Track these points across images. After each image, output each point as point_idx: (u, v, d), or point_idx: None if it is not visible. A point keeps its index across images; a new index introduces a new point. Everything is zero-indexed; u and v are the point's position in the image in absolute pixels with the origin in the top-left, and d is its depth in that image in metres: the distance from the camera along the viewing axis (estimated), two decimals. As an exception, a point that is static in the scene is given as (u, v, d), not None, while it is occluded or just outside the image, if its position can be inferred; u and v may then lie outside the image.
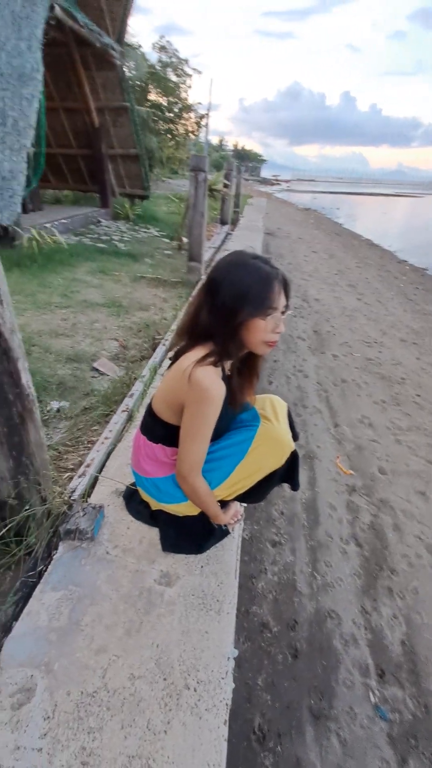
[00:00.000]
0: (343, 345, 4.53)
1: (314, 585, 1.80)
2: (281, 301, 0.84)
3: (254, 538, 1.98)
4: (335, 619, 1.67)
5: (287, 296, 0.87)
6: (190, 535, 1.04)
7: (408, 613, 1.75)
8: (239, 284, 0.84)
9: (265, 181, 60.74)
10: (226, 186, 8.26)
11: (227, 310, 0.85)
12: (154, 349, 2.73)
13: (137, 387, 2.10)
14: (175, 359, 0.95)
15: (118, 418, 1.82)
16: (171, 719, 0.70)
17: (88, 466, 1.45)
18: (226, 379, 0.92)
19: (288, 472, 0.98)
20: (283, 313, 0.86)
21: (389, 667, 1.54)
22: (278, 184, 62.28)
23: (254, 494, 1.01)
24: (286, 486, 2.35)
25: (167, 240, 6.77)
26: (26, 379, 0.96)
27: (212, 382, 0.86)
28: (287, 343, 4.32)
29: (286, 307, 0.87)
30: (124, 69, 7.31)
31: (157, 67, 16.25)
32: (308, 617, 1.66)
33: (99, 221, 7.26)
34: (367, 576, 1.88)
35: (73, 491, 1.29)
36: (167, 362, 1.02)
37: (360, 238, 14.86)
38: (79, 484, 1.34)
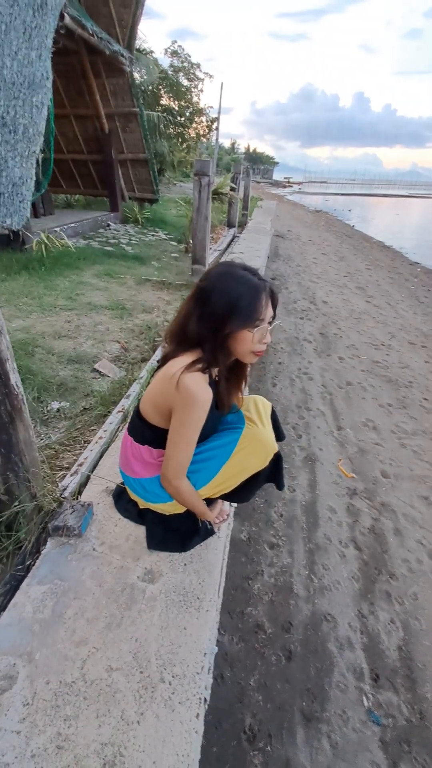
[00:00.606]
0: (349, 347, 4.50)
1: (311, 588, 1.79)
2: (268, 312, 0.86)
3: (252, 540, 1.98)
4: (331, 622, 1.66)
5: (274, 307, 0.88)
6: (175, 533, 1.05)
7: (406, 618, 1.72)
8: (228, 296, 0.86)
9: (277, 184, 60.72)
10: (232, 189, 8.29)
11: (216, 320, 0.87)
12: (154, 351, 2.76)
13: (134, 388, 2.13)
14: (162, 363, 0.97)
15: (114, 418, 1.84)
16: (145, 711, 0.72)
17: (81, 464, 1.48)
18: (213, 384, 0.94)
19: (272, 473, 0.99)
20: (270, 323, 0.87)
21: (384, 672, 1.52)
22: (290, 186, 62.17)
23: (241, 494, 1.02)
24: (287, 489, 2.35)
25: (175, 243, 6.83)
26: (15, 379, 0.99)
27: (200, 388, 0.87)
28: (293, 345, 4.31)
29: (273, 317, 0.89)
30: (135, 75, 7.41)
31: (169, 72, 16.45)
32: (304, 620, 1.65)
33: (108, 225, 7.36)
34: (365, 580, 1.86)
35: (65, 489, 1.32)
36: (159, 365, 1.05)
37: (371, 240, 14.73)
38: (71, 482, 1.37)
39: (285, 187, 57.54)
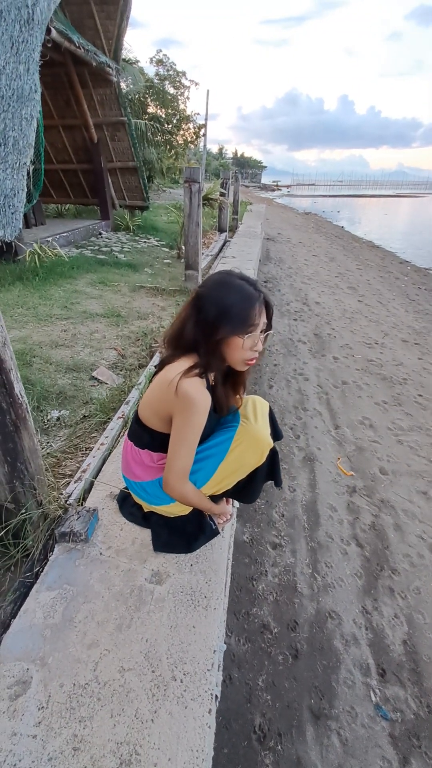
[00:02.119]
0: (343, 347, 4.54)
1: (315, 586, 1.81)
2: (261, 320, 0.88)
3: (255, 541, 1.99)
4: (336, 619, 1.67)
5: (269, 317, 0.91)
6: (180, 534, 1.07)
7: (410, 612, 1.74)
8: (222, 303, 0.89)
9: (266, 187, 61.18)
10: (222, 194, 8.38)
11: (209, 325, 0.90)
12: (151, 357, 2.78)
13: (133, 394, 2.15)
14: (160, 368, 0.99)
15: (114, 424, 1.86)
16: (158, 708, 0.73)
17: (84, 471, 1.49)
18: (211, 388, 0.96)
19: (271, 469, 1.01)
20: (263, 332, 0.90)
21: (390, 666, 1.53)
22: (278, 189, 62.70)
23: (245, 493, 1.04)
24: (287, 489, 2.37)
25: (167, 249, 6.87)
26: (18, 389, 1.01)
27: (198, 394, 0.90)
28: (287, 347, 4.34)
29: (268, 326, 0.91)
30: (122, 85, 7.48)
31: (155, 81, 16.60)
32: (309, 618, 1.67)
33: (100, 233, 7.39)
34: (368, 576, 1.88)
35: (69, 495, 1.33)
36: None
37: (361, 241, 14.89)
38: (75, 488, 1.38)
39: (274, 190, 57.99)
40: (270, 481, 1.08)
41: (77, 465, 1.65)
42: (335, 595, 1.78)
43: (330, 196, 49.78)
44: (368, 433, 2.98)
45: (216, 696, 0.78)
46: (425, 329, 5.61)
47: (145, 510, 1.12)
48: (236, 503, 1.37)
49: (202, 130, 18.32)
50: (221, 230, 8.82)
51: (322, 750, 1.28)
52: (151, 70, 16.73)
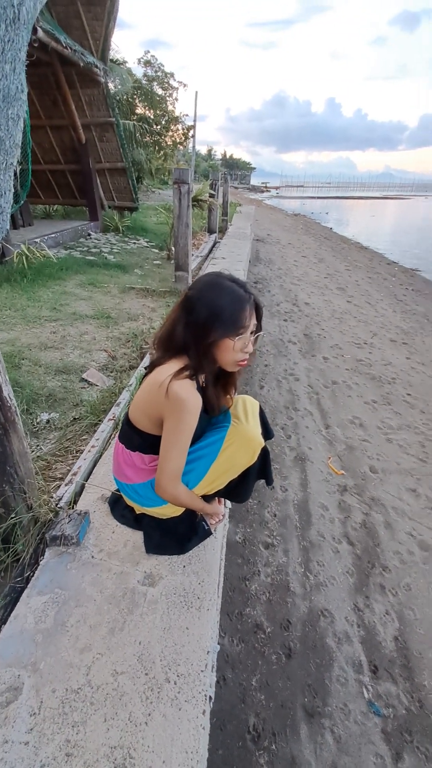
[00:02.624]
0: (333, 347, 4.58)
1: (307, 585, 1.82)
2: (251, 322, 0.89)
3: (247, 541, 2.00)
4: (328, 617, 1.69)
5: (259, 319, 0.91)
6: (173, 535, 1.06)
7: (401, 609, 1.76)
8: (213, 305, 0.89)
9: (255, 189, 61.47)
10: (211, 196, 8.39)
11: (200, 328, 0.90)
12: (141, 359, 2.77)
13: (124, 396, 2.14)
14: (150, 369, 0.99)
15: (105, 426, 1.85)
16: (152, 711, 0.73)
17: (75, 474, 1.48)
18: (202, 390, 0.97)
19: (262, 469, 1.02)
20: (253, 333, 0.91)
21: (382, 663, 1.55)
22: (267, 191, 63.06)
23: (238, 492, 1.04)
24: (279, 489, 2.38)
25: (157, 250, 6.85)
26: (7, 391, 1.00)
27: (189, 395, 0.90)
28: (278, 347, 4.37)
29: (258, 328, 0.92)
30: (110, 85, 7.45)
31: (143, 82, 16.56)
32: (301, 617, 1.68)
33: (89, 234, 7.34)
34: (359, 574, 1.90)
35: (60, 499, 1.32)
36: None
37: (349, 242, 15.05)
38: (66, 491, 1.37)
39: (263, 191, 58.31)
40: (261, 480, 1.08)
41: (68, 468, 1.63)
42: (327, 593, 1.79)
43: (318, 197, 50.23)
44: (358, 432, 3.01)
45: (210, 697, 0.78)
46: (413, 329, 5.69)
47: (137, 512, 1.12)
48: (228, 503, 1.37)
49: (191, 131, 18.34)
50: (211, 231, 8.83)
51: (316, 748, 1.29)
52: (139, 71, 16.70)
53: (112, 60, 10.61)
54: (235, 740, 1.28)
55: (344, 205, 40.73)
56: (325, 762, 1.26)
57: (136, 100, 16.50)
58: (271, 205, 30.62)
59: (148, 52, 17.00)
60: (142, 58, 16.94)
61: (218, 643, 1.52)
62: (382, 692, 1.46)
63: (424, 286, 9.03)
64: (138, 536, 1.14)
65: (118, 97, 12.84)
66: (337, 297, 6.75)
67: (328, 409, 3.29)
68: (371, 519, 2.23)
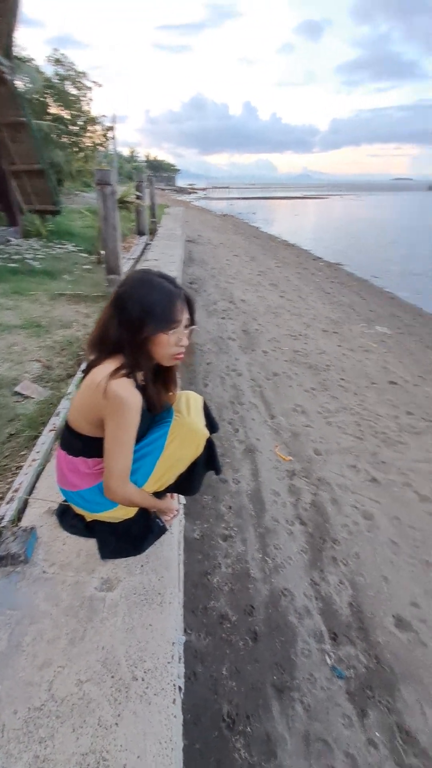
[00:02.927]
0: (271, 341, 4.76)
1: (266, 569, 1.88)
2: (184, 316, 0.90)
3: (205, 536, 2.02)
4: (288, 596, 1.76)
5: (191, 312, 0.93)
6: (128, 537, 1.05)
7: (352, 577, 1.89)
8: (144, 301, 0.90)
9: (182, 190, 61.64)
10: (138, 197, 8.28)
11: (134, 324, 0.90)
12: (79, 366, 2.66)
13: (63, 405, 2.04)
14: (86, 372, 0.97)
15: (45, 438, 1.76)
16: (121, 711, 0.72)
17: (16, 491, 1.39)
18: (142, 388, 0.96)
19: (209, 459, 1.03)
20: (187, 327, 0.92)
21: (341, 629, 1.65)
22: (194, 192, 63.60)
23: (187, 485, 1.05)
24: (231, 481, 2.42)
25: (85, 255, 6.61)
26: None
27: (127, 393, 0.90)
28: (218, 345, 4.44)
29: (191, 321, 0.93)
30: (18, 83, 7.04)
31: (55, 81, 15.83)
32: (263, 600, 1.73)
33: (8, 240, 6.88)
34: (313, 550, 2.01)
35: (2, 518, 1.23)
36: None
37: (277, 240, 15.71)
38: (7, 510, 1.28)
39: (190, 193, 58.73)
40: (211, 471, 1.10)
41: (7, 486, 1.53)
42: (286, 573, 1.87)
43: (244, 198, 51.71)
44: (301, 419, 3.17)
45: (180, 687, 0.79)
46: (341, 319, 6.10)
47: (88, 519, 1.08)
48: (182, 498, 1.37)
49: (111, 132, 17.92)
50: (141, 233, 8.72)
51: (288, 721, 1.34)
52: (49, 70, 15.93)
53: (18, 57, 10.02)
54: (211, 731, 1.30)
55: (269, 205, 42.39)
56: (297, 732, 1.32)
57: (49, 100, 15.74)
58: (200, 206, 30.95)
59: (57, 49, 16.27)
60: (51, 56, 16.19)
61: (187, 640, 1.52)
62: (343, 656, 1.56)
63: (348, 278, 9.72)
64: (91, 544, 1.10)
65: (28, 97, 12.17)
66: (270, 293, 7.02)
67: (271, 400, 3.41)
68: (319, 498, 2.36)
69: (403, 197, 72.01)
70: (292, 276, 8.90)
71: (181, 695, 0.79)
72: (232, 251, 10.84)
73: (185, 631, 1.55)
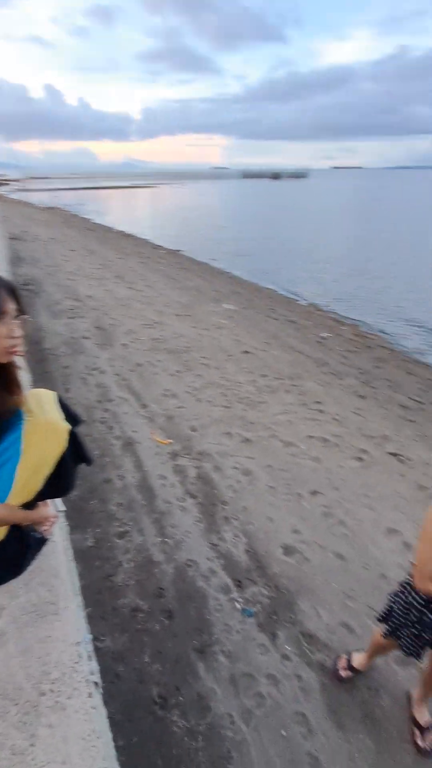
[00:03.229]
0: (128, 333, 4.71)
1: (167, 549, 1.93)
2: (9, 306, 0.83)
3: (100, 541, 1.95)
4: (193, 565, 1.86)
5: (18, 302, 0.86)
6: (3, 562, 0.94)
7: (244, 527, 2.10)
8: None
9: (-8, 183, 54.01)
10: None
11: None
12: None
13: None
14: None
15: None
16: (34, 731, 0.68)
17: None
18: None
19: (76, 451, 1.00)
20: (17, 318, 0.86)
21: (242, 574, 1.83)
22: (7, 184, 56.54)
23: (59, 486, 0.99)
24: (116, 478, 2.36)
25: None
26: None
27: None
28: (72, 346, 4.18)
29: (20, 312, 0.87)
30: None
31: None
32: (171, 578, 1.79)
33: None
34: (207, 517, 2.14)
35: None
36: None
37: (113, 231, 15.30)
38: None
39: (2, 185, 52.01)
40: (83, 464, 1.06)
41: None
42: (187, 546, 1.96)
43: (68, 189, 48.37)
44: (172, 402, 3.27)
45: (95, 683, 0.77)
46: (190, 302, 6.39)
47: None
48: (58, 503, 1.29)
49: None
50: None
51: (214, 674, 1.45)
52: None
53: None
54: (146, 719, 1.31)
55: (97, 195, 40.71)
56: (224, 680, 1.44)
57: None
58: (17, 199, 27.73)
59: None
60: None
61: (103, 644, 1.47)
62: (249, 596, 1.73)
63: (189, 263, 10.17)
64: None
65: None
66: (117, 285, 6.86)
67: (139, 390, 3.41)
68: (203, 470, 2.51)
69: (222, 185, 78.11)
70: (136, 266, 8.87)
71: (99, 689, 0.78)
72: (67, 246, 10.15)
73: (99, 638, 1.51)
